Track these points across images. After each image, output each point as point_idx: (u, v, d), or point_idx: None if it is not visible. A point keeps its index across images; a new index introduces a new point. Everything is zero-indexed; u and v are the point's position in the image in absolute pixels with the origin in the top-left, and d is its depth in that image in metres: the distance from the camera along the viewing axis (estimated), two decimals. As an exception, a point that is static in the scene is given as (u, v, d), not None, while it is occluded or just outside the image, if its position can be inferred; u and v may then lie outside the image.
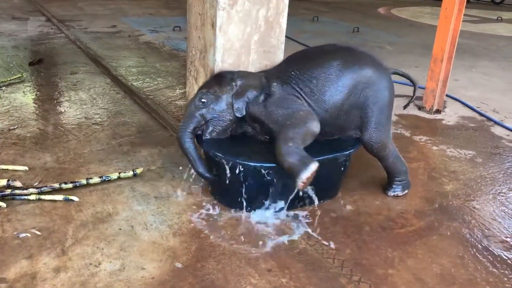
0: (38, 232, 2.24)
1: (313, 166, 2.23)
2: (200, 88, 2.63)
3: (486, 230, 2.52)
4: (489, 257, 2.30)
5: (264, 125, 2.52)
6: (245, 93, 2.53)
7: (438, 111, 4.33)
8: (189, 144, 2.50)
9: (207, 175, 2.53)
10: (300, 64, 2.59)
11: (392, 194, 2.79)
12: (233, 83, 2.57)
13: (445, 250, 2.34)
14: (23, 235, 2.22)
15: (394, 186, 2.80)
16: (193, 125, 2.52)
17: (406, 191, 2.81)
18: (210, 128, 2.56)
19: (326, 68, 2.52)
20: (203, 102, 2.52)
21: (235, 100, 2.53)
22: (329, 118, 2.53)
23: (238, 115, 2.53)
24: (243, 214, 2.51)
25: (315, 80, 2.50)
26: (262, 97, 2.52)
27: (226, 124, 2.57)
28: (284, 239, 2.33)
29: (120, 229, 2.34)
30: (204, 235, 2.33)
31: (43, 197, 2.54)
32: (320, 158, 2.48)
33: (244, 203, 2.49)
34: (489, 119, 4.26)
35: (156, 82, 4.72)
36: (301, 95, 2.51)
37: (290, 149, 2.28)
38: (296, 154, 2.27)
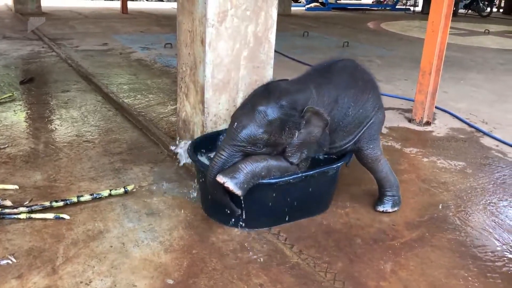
0: (13, 260, 2.18)
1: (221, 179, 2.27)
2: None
3: (477, 241, 2.53)
4: (481, 267, 2.31)
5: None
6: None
7: (428, 123, 4.37)
8: None
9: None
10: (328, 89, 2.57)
11: (382, 209, 2.77)
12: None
13: (436, 261, 2.35)
14: (4, 262, 2.17)
15: (384, 201, 2.78)
16: None
17: (396, 208, 2.78)
18: None
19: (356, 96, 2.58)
20: None
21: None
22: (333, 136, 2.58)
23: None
24: (235, 229, 2.51)
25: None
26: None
27: None
28: (276, 253, 2.33)
29: (111, 246, 2.33)
30: (195, 251, 2.32)
31: (33, 215, 2.52)
32: (309, 172, 2.51)
33: (233, 219, 2.49)
34: (478, 130, 4.31)
35: (147, 99, 4.74)
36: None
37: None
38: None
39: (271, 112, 2.27)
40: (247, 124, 2.27)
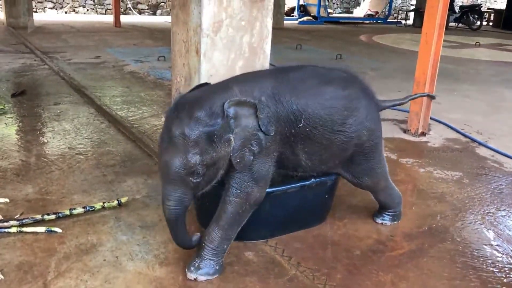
0: (1, 276, 2.12)
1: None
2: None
3: (476, 251, 2.50)
4: (482, 278, 2.28)
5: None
6: None
7: (423, 134, 4.37)
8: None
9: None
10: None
11: (380, 222, 2.73)
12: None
13: (436, 272, 2.31)
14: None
15: (384, 215, 2.74)
16: None
17: (395, 222, 2.73)
18: None
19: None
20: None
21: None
22: None
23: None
24: (232, 241, 2.45)
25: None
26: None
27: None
28: (274, 266, 2.28)
29: (105, 260, 2.27)
30: (191, 264, 2.26)
31: (24, 229, 2.46)
32: (307, 182, 2.47)
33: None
34: (473, 140, 4.30)
35: (141, 111, 4.70)
36: None
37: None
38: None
39: (189, 131, 1.93)
40: (171, 158, 1.96)
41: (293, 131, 2.19)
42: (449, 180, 3.40)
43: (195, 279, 2.13)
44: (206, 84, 2.31)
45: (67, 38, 10.03)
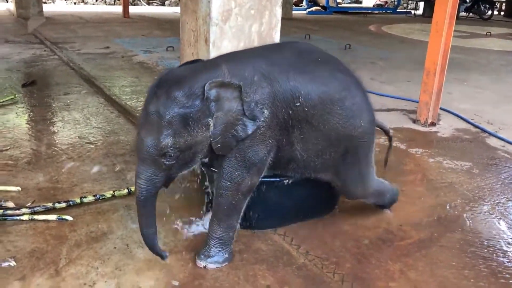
0: (13, 263, 2.13)
1: None
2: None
3: (486, 241, 2.49)
4: (491, 267, 2.27)
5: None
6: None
7: (432, 124, 4.34)
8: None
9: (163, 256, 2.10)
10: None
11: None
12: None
13: (445, 261, 2.31)
14: (5, 264, 2.12)
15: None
16: None
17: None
18: None
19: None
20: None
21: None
22: None
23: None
24: (240, 230, 2.47)
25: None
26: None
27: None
28: (283, 254, 2.29)
29: (115, 247, 2.29)
30: (201, 252, 2.28)
31: (36, 217, 2.49)
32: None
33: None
34: (483, 130, 4.27)
35: (150, 101, 4.70)
36: None
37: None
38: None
39: (163, 110, 1.84)
40: (145, 136, 1.89)
41: (290, 112, 2.04)
42: (459, 170, 3.39)
43: (204, 267, 2.15)
44: (198, 60, 2.17)
45: (76, 28, 10.06)
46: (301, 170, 2.29)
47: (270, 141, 2.07)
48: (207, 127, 1.91)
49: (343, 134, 2.20)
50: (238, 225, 2.24)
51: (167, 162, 1.92)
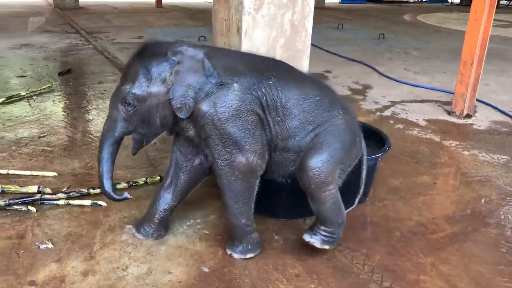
0: (50, 245, 2.21)
1: None
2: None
3: (522, 236, 2.43)
4: (527, 263, 2.21)
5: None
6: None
7: (468, 116, 4.22)
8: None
9: (113, 195, 2.16)
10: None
11: (308, 240, 2.15)
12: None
13: (479, 256, 2.26)
14: (43, 246, 2.21)
15: (317, 232, 2.16)
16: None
17: (325, 247, 2.16)
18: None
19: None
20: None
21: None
22: None
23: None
24: (270, 219, 2.48)
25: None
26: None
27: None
28: (312, 244, 2.28)
29: (147, 233, 2.34)
30: (230, 240, 2.30)
31: (71, 202, 2.56)
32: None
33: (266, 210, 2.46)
34: (522, 123, 4.13)
35: (181, 90, 4.75)
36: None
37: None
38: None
39: (131, 62, 2.04)
40: (117, 85, 2.11)
41: (263, 90, 2.03)
42: (495, 164, 3.29)
43: (230, 255, 2.18)
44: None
45: (110, 18, 10.23)
46: (275, 152, 2.14)
47: (248, 115, 2.00)
48: (163, 82, 1.98)
49: (320, 104, 2.12)
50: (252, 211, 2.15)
51: (125, 109, 2.04)
